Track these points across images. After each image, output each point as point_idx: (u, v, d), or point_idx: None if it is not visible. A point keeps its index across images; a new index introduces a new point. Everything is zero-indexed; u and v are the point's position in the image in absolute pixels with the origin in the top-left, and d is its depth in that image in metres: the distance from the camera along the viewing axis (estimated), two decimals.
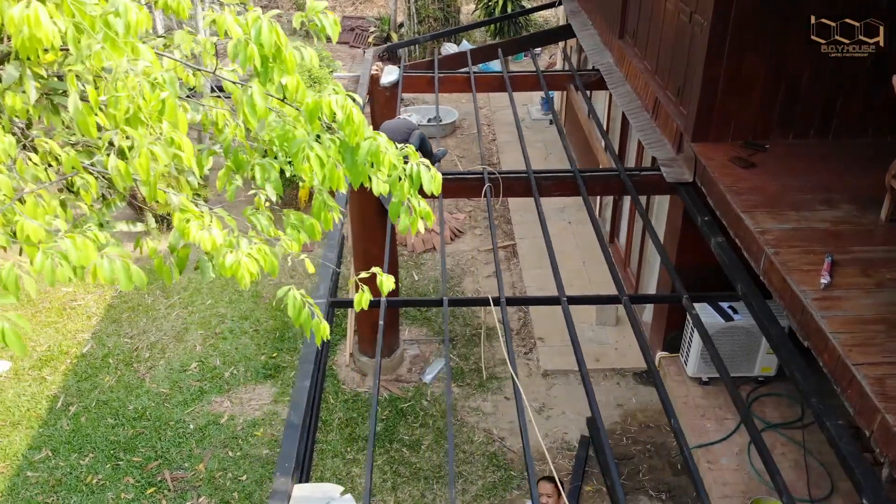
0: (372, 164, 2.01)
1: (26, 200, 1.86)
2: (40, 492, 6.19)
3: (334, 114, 1.88)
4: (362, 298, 2.50)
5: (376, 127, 7.24)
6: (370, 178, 2.11)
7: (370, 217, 6.64)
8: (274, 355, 7.57)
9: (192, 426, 6.76)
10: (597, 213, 9.79)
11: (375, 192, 2.19)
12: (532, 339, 7.76)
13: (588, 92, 8.33)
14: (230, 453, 6.47)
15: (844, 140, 5.97)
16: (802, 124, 6.00)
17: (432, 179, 2.06)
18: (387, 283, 2.47)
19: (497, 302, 5.00)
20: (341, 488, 3.59)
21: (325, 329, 2.33)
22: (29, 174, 1.95)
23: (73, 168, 1.97)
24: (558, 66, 13.02)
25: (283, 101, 2.01)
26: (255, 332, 7.91)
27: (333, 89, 1.91)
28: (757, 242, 4.87)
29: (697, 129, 6.00)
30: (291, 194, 9.91)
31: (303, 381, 4.19)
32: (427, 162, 2.10)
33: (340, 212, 2.56)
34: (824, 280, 4.40)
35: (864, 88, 5.75)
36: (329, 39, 2.18)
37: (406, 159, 2.08)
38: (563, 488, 4.22)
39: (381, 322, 4.75)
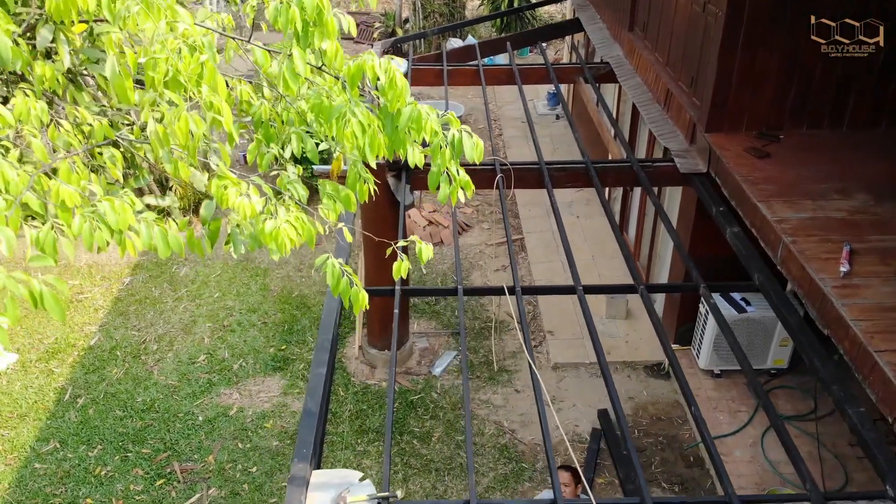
0: (410, 131, 1.97)
1: (59, 167, 1.82)
2: (48, 483, 6.16)
3: (377, 78, 1.85)
4: (401, 267, 2.46)
5: None
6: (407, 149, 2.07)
7: (382, 208, 6.60)
8: (283, 348, 7.53)
9: (201, 418, 6.72)
10: None
11: (411, 162, 2.15)
12: (542, 332, 7.73)
13: (597, 85, 8.28)
14: (240, 445, 6.43)
15: (858, 131, 5.94)
16: (816, 115, 5.97)
17: (474, 147, 2.03)
18: (426, 252, 2.42)
19: (512, 291, 4.96)
20: (360, 474, 3.56)
21: (363, 298, 2.29)
22: (61, 141, 1.92)
23: (105, 137, 1.94)
24: (565, 60, 12.99)
25: (319, 69, 1.97)
26: (264, 324, 7.88)
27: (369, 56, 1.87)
28: (774, 231, 4.84)
29: (711, 120, 5.97)
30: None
31: (318, 368, 4.15)
32: (468, 128, 2.06)
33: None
34: (843, 268, 4.38)
35: (877, 81, 5.73)
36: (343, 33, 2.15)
37: (447, 127, 2.04)
38: (581, 475, 4.19)
39: (396, 311, 4.72)
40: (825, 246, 4.64)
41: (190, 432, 6.58)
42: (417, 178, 6.47)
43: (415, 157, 2.10)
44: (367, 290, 6.95)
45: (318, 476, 3.58)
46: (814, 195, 5.20)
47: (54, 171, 1.80)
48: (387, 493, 3.42)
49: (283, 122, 2.06)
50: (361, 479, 3.53)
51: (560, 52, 14.86)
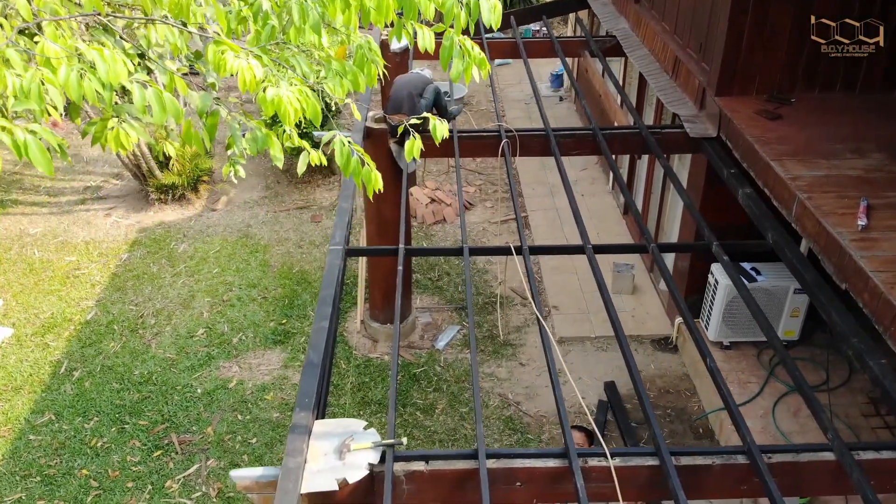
0: None
1: (45, 28, 1.68)
2: (43, 455, 6.02)
3: None
4: (413, 146, 2.31)
5: (387, 93, 7.07)
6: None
7: (383, 175, 6.45)
8: (283, 322, 7.40)
9: (199, 390, 6.59)
10: (610, 185, 9.64)
11: (421, 47, 2.01)
12: (547, 307, 7.60)
13: (603, 57, 8.14)
14: (239, 416, 6.30)
15: (872, 94, 5.82)
16: (828, 78, 5.85)
17: (492, 10, 1.89)
18: (440, 128, 2.27)
19: (519, 251, 4.83)
20: (364, 423, 3.42)
21: (377, 179, 2.14)
22: (47, 8, 1.78)
23: (93, 9, 1.80)
24: (570, 34, 12.83)
25: None
26: (264, 299, 7.74)
27: None
28: (788, 189, 4.72)
29: (721, 84, 5.85)
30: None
31: (321, 322, 4.02)
32: None
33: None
34: (861, 222, 4.25)
35: (890, 44, 5.61)
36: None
37: None
38: (597, 434, 4.06)
39: (399, 267, 4.59)
40: (841, 202, 4.52)
41: (188, 404, 6.45)
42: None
43: (424, 40, 1.97)
44: (370, 249, 6.80)
45: (320, 425, 3.46)
46: (828, 155, 5.08)
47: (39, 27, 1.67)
48: (392, 441, 3.28)
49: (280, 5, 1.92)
50: (366, 428, 3.40)
51: (563, 35, 14.71)
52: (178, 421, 6.30)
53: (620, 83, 9.47)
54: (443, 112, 6.42)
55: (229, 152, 2.52)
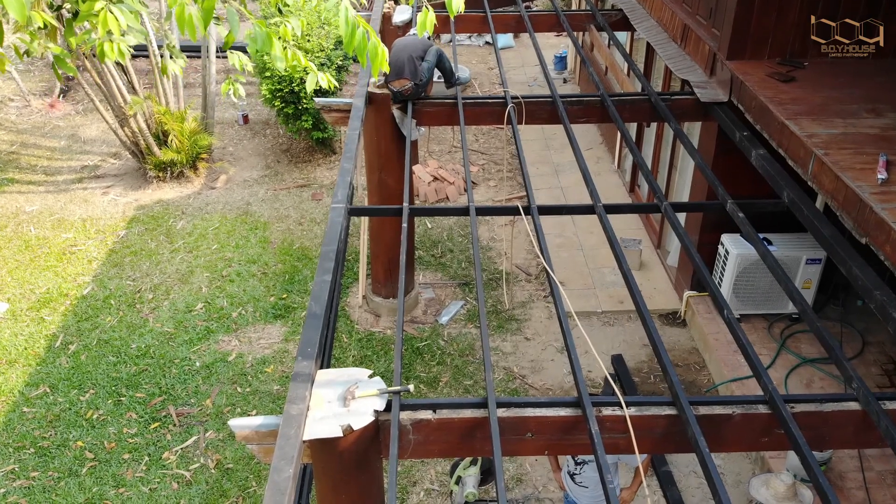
0: None
1: None
2: (37, 427, 5.88)
3: None
4: (426, 18, 2.16)
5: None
6: None
7: (386, 144, 6.34)
8: (284, 297, 7.26)
9: (198, 364, 6.45)
10: (616, 164, 9.50)
11: None
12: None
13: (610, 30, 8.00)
14: (239, 389, 6.16)
15: (887, 59, 5.69)
16: (842, 42, 5.71)
17: None
18: (456, 2, 2.13)
19: (528, 211, 4.70)
20: (369, 371, 3.29)
21: (383, 53, 2.00)
22: None
23: None
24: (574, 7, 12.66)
25: None
26: (264, 274, 7.60)
27: None
28: (804, 146, 4.59)
29: (733, 47, 5.73)
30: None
31: (323, 275, 3.88)
32: None
33: None
34: (881, 175, 4.13)
35: None
36: None
37: None
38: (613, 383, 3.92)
39: (404, 224, 4.45)
40: (860, 158, 4.40)
41: (186, 377, 6.31)
42: (423, 111, 6.20)
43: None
44: (375, 208, 6.62)
45: (323, 374, 3.32)
46: (844, 114, 4.95)
47: None
48: (398, 388, 3.15)
49: None
50: (370, 377, 3.26)
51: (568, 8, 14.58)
52: (175, 394, 6.16)
53: (625, 63, 9.34)
54: (447, 74, 6.29)
55: (227, 90, 2.37)
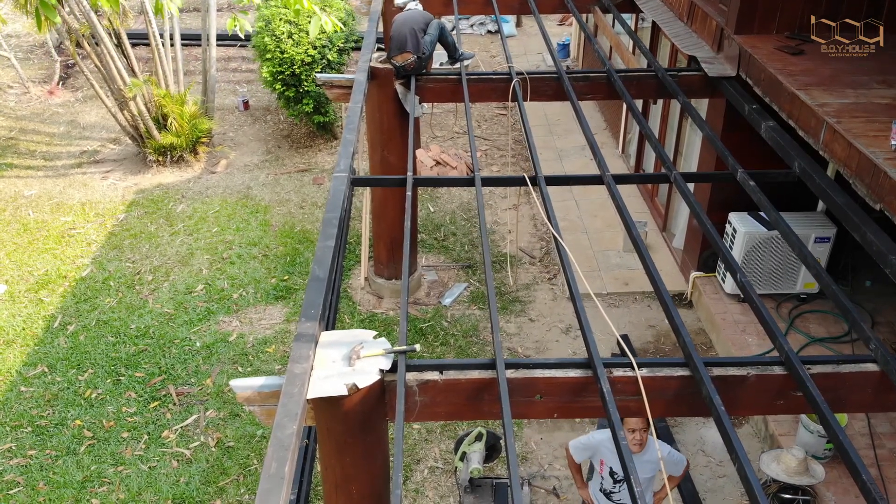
0: None
1: None
2: (35, 406, 5.80)
3: None
4: None
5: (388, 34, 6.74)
6: None
7: (389, 120, 6.26)
8: (285, 278, 7.17)
9: (198, 344, 6.37)
10: (620, 149, 9.42)
11: None
12: (556, 265, 7.39)
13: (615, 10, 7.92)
14: (239, 369, 6.08)
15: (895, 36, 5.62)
16: (851, 18, 5.63)
17: None
18: None
19: (534, 181, 4.62)
20: (374, 332, 3.21)
21: None
22: None
23: None
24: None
25: None
26: (265, 256, 7.52)
27: None
28: (816, 115, 4.52)
29: (741, 21, 5.66)
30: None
31: (326, 241, 3.80)
32: None
33: None
34: (895, 142, 4.05)
35: None
36: None
37: None
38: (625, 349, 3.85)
39: (408, 193, 4.37)
40: (872, 125, 4.33)
41: (187, 357, 6.23)
42: (427, 88, 6.12)
43: None
44: (379, 179, 6.54)
45: (328, 335, 3.24)
46: (854, 85, 4.89)
47: None
48: (404, 347, 3.07)
49: None
50: (376, 338, 3.18)
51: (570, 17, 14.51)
52: (175, 373, 6.08)
53: (630, 42, 9.25)
54: (450, 49, 6.21)
55: (234, 27, 2.28)
